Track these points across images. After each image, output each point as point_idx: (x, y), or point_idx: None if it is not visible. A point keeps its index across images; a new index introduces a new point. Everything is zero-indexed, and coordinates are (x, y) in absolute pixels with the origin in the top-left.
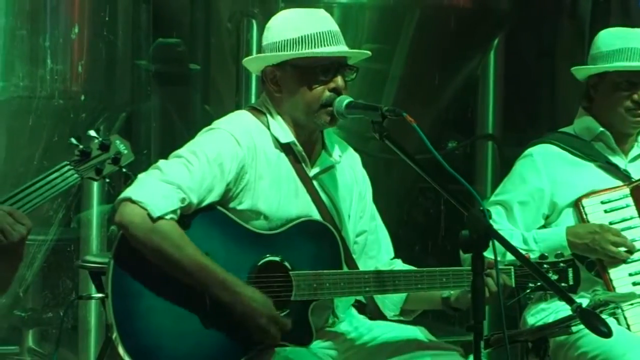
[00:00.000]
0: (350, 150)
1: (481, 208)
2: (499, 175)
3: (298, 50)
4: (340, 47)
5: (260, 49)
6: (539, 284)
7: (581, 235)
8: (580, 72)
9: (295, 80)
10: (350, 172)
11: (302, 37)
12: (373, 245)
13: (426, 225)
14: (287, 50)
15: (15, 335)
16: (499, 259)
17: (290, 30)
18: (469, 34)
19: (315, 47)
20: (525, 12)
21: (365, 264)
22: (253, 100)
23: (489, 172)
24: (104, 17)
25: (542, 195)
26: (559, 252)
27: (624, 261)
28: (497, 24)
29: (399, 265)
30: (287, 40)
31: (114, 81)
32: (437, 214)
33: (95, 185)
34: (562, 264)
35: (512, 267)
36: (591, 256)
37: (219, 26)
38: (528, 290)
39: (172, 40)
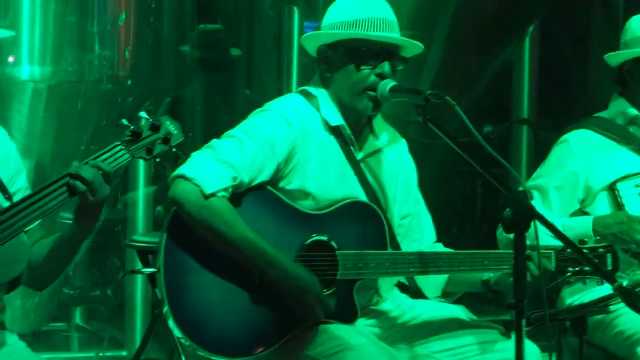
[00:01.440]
0: (398, 136)
1: (521, 189)
2: (534, 159)
3: (351, 31)
4: (394, 34)
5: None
6: (577, 268)
7: (609, 225)
8: (616, 58)
9: (345, 61)
10: (397, 157)
11: (357, 20)
12: (417, 229)
13: (463, 207)
14: (340, 31)
15: (64, 313)
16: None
17: (347, 13)
18: (505, 21)
19: (370, 31)
20: (560, 0)
21: (408, 247)
22: (294, 85)
23: (523, 156)
24: (150, 3)
25: (577, 178)
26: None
27: None
28: (532, 11)
29: (440, 249)
30: (343, 22)
31: (159, 66)
32: (474, 197)
33: (142, 167)
34: (601, 249)
35: (552, 250)
36: (620, 246)
37: (261, 13)
38: (568, 274)
39: (213, 26)
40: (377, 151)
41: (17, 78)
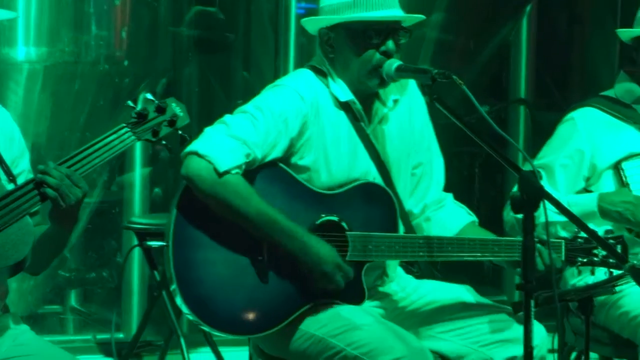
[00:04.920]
0: (405, 84)
1: (529, 169)
2: (531, 139)
3: (351, 13)
4: (394, 11)
5: (316, 10)
6: (586, 259)
7: (615, 203)
8: (626, 34)
9: (348, 43)
10: (406, 112)
11: (355, 0)
12: (425, 177)
13: (461, 188)
14: (340, 13)
15: (59, 295)
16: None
17: None
18: (502, 0)
19: (368, 10)
20: None
21: (417, 195)
22: (291, 66)
23: (521, 136)
24: None
25: (582, 156)
26: (589, 217)
27: None
28: None
29: (450, 201)
30: (341, 3)
31: (156, 47)
32: (472, 178)
33: (138, 148)
34: (611, 240)
35: (562, 240)
36: (622, 224)
37: None
38: (578, 264)
39: (209, 9)
40: (386, 116)
41: (13, 59)
